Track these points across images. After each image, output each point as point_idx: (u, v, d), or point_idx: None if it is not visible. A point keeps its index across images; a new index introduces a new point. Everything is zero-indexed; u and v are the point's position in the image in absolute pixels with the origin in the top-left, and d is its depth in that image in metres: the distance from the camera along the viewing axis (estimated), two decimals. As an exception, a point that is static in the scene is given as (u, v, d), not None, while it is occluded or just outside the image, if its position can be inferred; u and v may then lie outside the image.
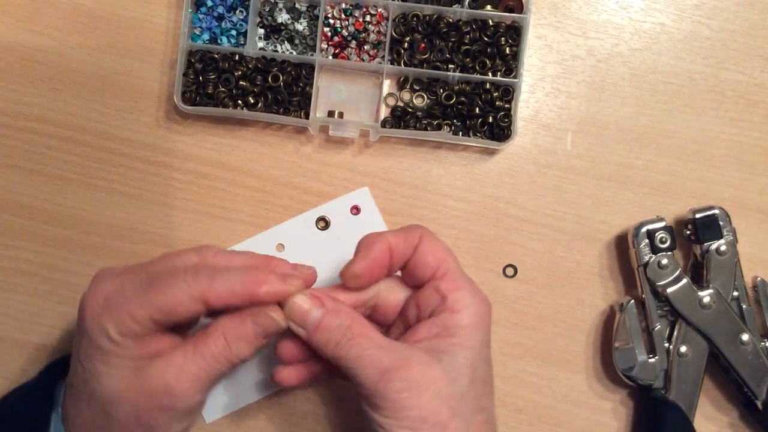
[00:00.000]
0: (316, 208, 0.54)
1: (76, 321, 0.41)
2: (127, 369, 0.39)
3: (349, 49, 0.55)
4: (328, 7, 0.54)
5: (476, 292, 0.42)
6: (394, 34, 0.54)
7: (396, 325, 0.44)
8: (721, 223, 0.51)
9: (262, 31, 0.55)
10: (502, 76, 0.54)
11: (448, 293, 0.41)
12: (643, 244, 0.51)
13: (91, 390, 0.39)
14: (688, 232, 0.52)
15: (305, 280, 0.42)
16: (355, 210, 0.54)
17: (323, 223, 0.54)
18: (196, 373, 0.39)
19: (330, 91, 0.56)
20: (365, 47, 0.55)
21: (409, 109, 0.55)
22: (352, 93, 0.56)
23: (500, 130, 0.53)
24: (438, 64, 0.54)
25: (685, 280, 0.50)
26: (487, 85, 0.53)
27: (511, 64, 0.54)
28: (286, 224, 0.54)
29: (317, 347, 0.40)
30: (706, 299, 0.50)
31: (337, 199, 0.54)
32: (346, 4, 0.54)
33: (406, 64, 0.54)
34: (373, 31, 0.54)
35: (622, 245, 0.54)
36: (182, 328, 0.42)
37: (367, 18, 0.54)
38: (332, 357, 0.39)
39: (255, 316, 0.40)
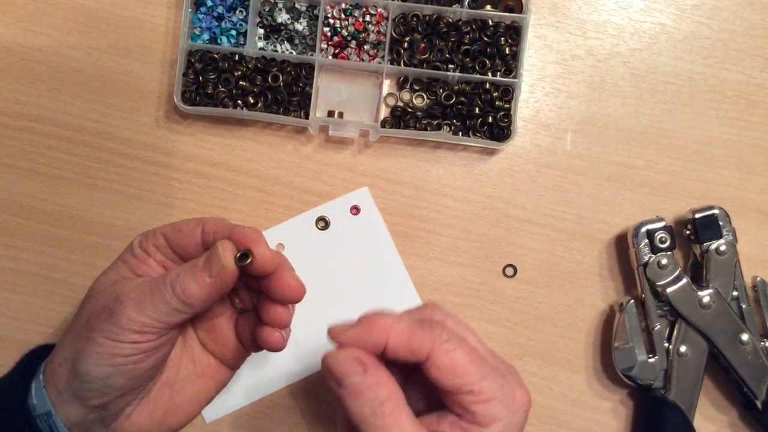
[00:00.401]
0: (315, 207, 0.54)
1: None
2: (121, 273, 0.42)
3: (349, 49, 0.55)
4: (328, 7, 0.54)
5: (509, 399, 0.37)
6: (393, 34, 0.54)
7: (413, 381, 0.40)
8: (720, 223, 0.51)
9: (261, 31, 0.55)
10: (501, 76, 0.54)
11: (475, 408, 0.36)
12: (643, 243, 0.51)
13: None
14: (687, 232, 0.52)
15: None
16: (355, 210, 0.54)
17: (323, 223, 0.54)
18: (141, 298, 0.39)
19: (330, 91, 0.56)
20: (365, 47, 0.55)
21: (409, 109, 0.55)
22: (351, 93, 0.56)
23: (500, 130, 0.53)
24: (438, 64, 0.54)
25: (684, 280, 0.50)
26: (487, 85, 0.53)
27: (510, 64, 0.54)
28: (285, 224, 0.54)
29: (343, 404, 0.37)
30: (706, 299, 0.50)
31: (336, 198, 0.54)
32: (346, 4, 0.54)
33: (405, 64, 0.54)
34: (372, 31, 0.54)
35: (621, 245, 0.54)
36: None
37: (367, 18, 0.54)
38: (356, 419, 0.36)
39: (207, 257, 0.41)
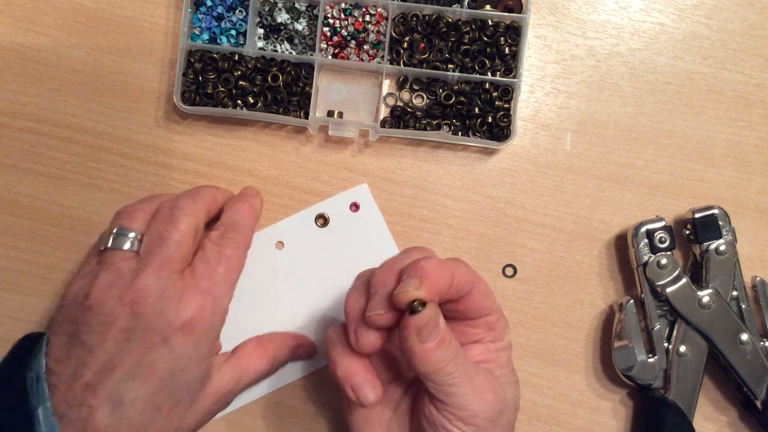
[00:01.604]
0: (315, 205, 0.54)
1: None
2: (209, 371, 0.46)
3: (349, 48, 0.55)
4: (328, 7, 0.54)
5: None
6: (393, 34, 0.54)
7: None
8: (720, 222, 0.51)
9: (261, 30, 0.56)
10: (501, 76, 0.54)
11: (499, 325, 0.43)
12: (643, 243, 0.51)
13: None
14: (687, 232, 0.52)
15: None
16: (355, 207, 0.54)
17: (322, 220, 0.54)
18: (245, 384, 0.49)
19: (329, 90, 0.56)
20: (365, 47, 0.55)
21: (409, 109, 0.55)
22: (351, 93, 0.56)
23: (500, 130, 0.53)
24: (437, 63, 0.54)
25: (684, 280, 0.50)
26: (487, 85, 0.53)
27: (510, 64, 0.54)
28: (284, 221, 0.54)
29: (419, 355, 0.39)
30: (706, 299, 0.50)
31: (336, 195, 0.54)
32: (346, 3, 0.54)
33: (405, 64, 0.54)
34: (372, 31, 0.54)
35: (621, 245, 0.54)
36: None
37: (367, 18, 0.54)
38: (432, 373, 0.39)
39: (299, 346, 0.51)
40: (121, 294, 0.43)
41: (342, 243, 0.54)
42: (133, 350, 0.42)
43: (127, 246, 0.45)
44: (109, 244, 0.45)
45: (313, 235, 0.54)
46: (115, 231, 0.46)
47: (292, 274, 0.53)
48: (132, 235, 0.45)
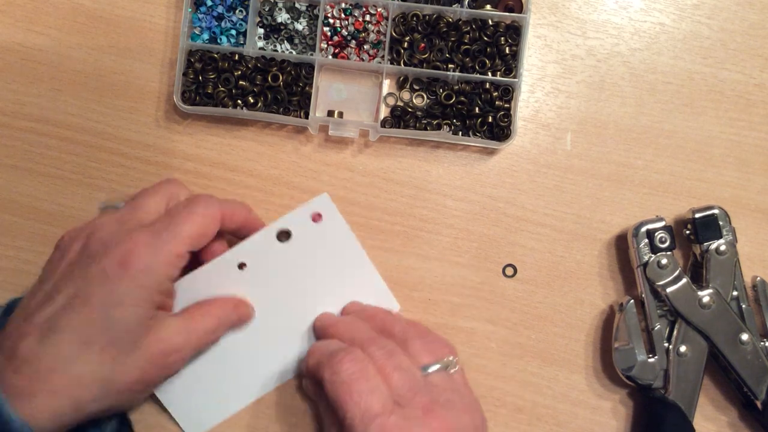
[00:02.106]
0: (275, 221, 0.50)
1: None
2: (152, 319, 0.44)
3: (349, 48, 0.55)
4: (328, 7, 0.54)
5: None
6: (393, 33, 0.54)
7: None
8: (720, 222, 0.51)
9: (261, 30, 0.56)
10: (501, 76, 0.54)
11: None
12: (643, 243, 0.51)
13: (107, 329, 0.42)
14: (687, 232, 0.52)
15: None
16: (318, 217, 0.51)
17: (285, 235, 0.50)
18: (195, 342, 0.47)
19: (330, 90, 0.56)
20: (365, 47, 0.55)
21: (409, 109, 0.55)
22: (351, 93, 0.56)
23: (500, 130, 0.53)
24: (438, 63, 0.54)
25: (684, 280, 0.50)
26: (487, 85, 0.53)
27: (510, 64, 0.54)
28: (246, 243, 0.50)
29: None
30: (706, 299, 0.50)
31: (296, 209, 0.51)
32: (346, 3, 0.54)
33: (405, 64, 0.54)
34: (372, 31, 0.54)
35: (621, 245, 0.54)
36: None
37: (367, 18, 0.54)
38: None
39: (238, 305, 0.49)
40: (81, 232, 0.46)
41: (307, 255, 0.51)
42: (74, 280, 0.43)
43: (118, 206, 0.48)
44: (103, 206, 0.49)
45: (276, 252, 0.50)
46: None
47: (258, 294, 0.51)
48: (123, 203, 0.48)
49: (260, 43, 0.56)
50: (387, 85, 0.55)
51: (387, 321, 0.48)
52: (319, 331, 0.50)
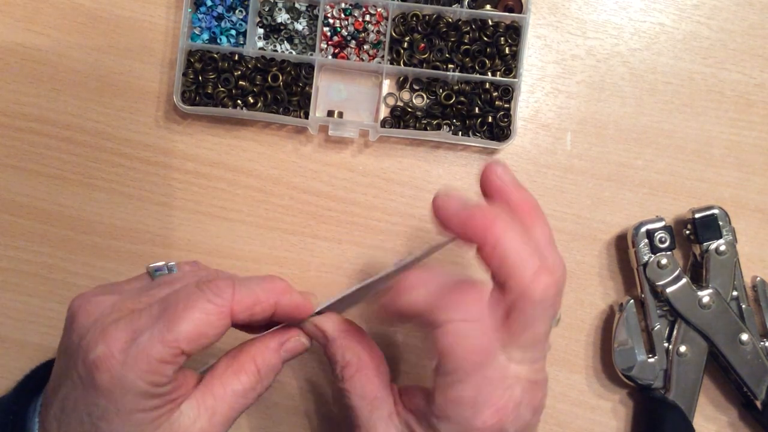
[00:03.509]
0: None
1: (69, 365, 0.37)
2: (155, 422, 0.35)
3: (349, 48, 0.55)
4: (328, 7, 0.54)
5: None
6: (393, 33, 0.54)
7: None
8: (720, 223, 0.51)
9: (261, 30, 0.56)
10: (501, 76, 0.54)
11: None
12: (643, 243, 0.51)
13: None
14: (687, 232, 0.52)
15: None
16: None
17: None
18: (228, 413, 0.37)
19: (329, 90, 0.56)
20: (365, 47, 0.55)
21: (409, 109, 0.55)
22: (351, 93, 0.56)
23: (500, 130, 0.53)
24: (437, 63, 0.54)
25: (684, 280, 0.50)
26: (487, 85, 0.53)
27: (510, 64, 0.54)
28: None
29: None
30: (706, 299, 0.50)
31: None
32: (346, 3, 0.54)
33: (405, 64, 0.54)
34: (372, 31, 0.54)
35: (621, 245, 0.54)
36: None
37: (367, 18, 0.54)
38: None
39: (284, 342, 0.40)
40: (74, 307, 0.39)
41: None
42: (64, 377, 0.37)
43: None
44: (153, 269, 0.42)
45: None
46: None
47: None
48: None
49: (260, 43, 0.56)
50: (387, 85, 0.55)
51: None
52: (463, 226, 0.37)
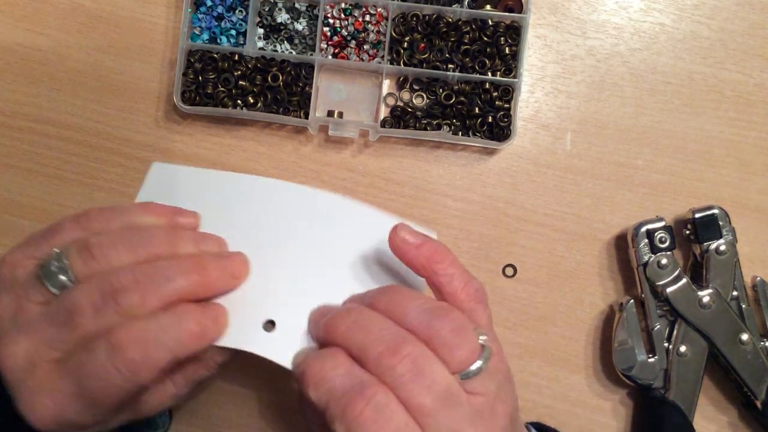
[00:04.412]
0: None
1: None
2: None
3: (349, 48, 0.55)
4: (328, 7, 0.54)
5: None
6: (393, 33, 0.54)
7: None
8: (720, 222, 0.51)
9: (261, 30, 0.56)
10: (501, 76, 0.54)
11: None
12: (643, 243, 0.51)
13: None
14: (687, 232, 0.52)
15: (234, 273, 0.39)
16: None
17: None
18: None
19: (329, 90, 0.56)
20: (365, 47, 0.55)
21: (409, 109, 0.55)
22: (351, 93, 0.56)
23: (500, 130, 0.53)
24: (437, 63, 0.54)
25: (684, 280, 0.50)
26: (487, 85, 0.53)
27: (510, 64, 0.54)
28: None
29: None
30: (706, 299, 0.50)
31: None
32: (346, 3, 0.54)
33: (405, 64, 0.54)
34: (372, 31, 0.54)
35: (621, 245, 0.54)
36: None
37: (367, 18, 0.54)
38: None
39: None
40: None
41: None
42: None
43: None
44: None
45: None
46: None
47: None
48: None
49: (260, 43, 0.56)
50: (387, 85, 0.55)
51: (398, 304, 0.36)
52: (316, 331, 0.38)
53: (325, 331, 0.37)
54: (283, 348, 0.38)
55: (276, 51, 0.55)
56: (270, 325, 0.39)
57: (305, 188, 0.43)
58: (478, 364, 0.35)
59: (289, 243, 0.42)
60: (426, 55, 0.54)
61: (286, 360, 0.38)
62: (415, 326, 0.35)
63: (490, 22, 0.54)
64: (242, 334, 0.39)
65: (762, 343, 0.50)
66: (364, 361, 0.34)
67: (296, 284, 0.41)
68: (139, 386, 0.35)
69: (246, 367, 0.53)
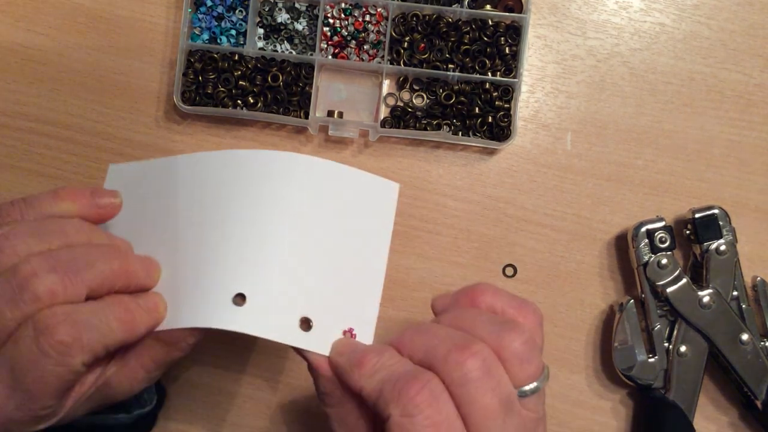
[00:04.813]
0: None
1: None
2: None
3: (349, 48, 0.55)
4: (328, 7, 0.54)
5: None
6: (393, 33, 0.54)
7: None
8: (720, 222, 0.51)
9: (261, 30, 0.56)
10: (501, 76, 0.54)
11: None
12: (643, 243, 0.51)
13: None
14: (687, 232, 0.52)
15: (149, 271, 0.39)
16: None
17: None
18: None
19: (329, 90, 0.56)
20: (365, 47, 0.55)
21: (409, 109, 0.55)
22: (351, 93, 0.56)
23: (500, 130, 0.53)
24: (438, 63, 0.54)
25: (684, 280, 0.50)
26: (487, 85, 0.53)
27: (510, 64, 0.54)
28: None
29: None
30: (706, 299, 0.50)
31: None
32: (346, 3, 0.54)
33: (405, 64, 0.54)
34: (372, 31, 0.54)
35: (621, 245, 0.54)
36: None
37: (367, 18, 0.54)
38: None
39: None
40: None
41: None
42: None
43: None
44: None
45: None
46: None
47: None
48: None
49: (260, 43, 0.56)
50: (387, 85, 0.55)
51: (465, 318, 0.36)
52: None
53: (391, 341, 0.36)
54: (255, 320, 0.38)
55: (276, 51, 0.55)
56: (240, 299, 0.38)
57: (260, 152, 0.42)
58: (538, 382, 0.35)
59: (253, 212, 0.40)
60: (426, 55, 0.54)
61: (260, 331, 0.37)
62: (485, 336, 0.34)
63: (490, 22, 0.54)
64: (211, 312, 0.38)
65: (762, 343, 0.50)
66: (431, 359, 0.34)
67: (263, 253, 0.39)
68: (75, 372, 0.34)
69: (246, 366, 0.53)
